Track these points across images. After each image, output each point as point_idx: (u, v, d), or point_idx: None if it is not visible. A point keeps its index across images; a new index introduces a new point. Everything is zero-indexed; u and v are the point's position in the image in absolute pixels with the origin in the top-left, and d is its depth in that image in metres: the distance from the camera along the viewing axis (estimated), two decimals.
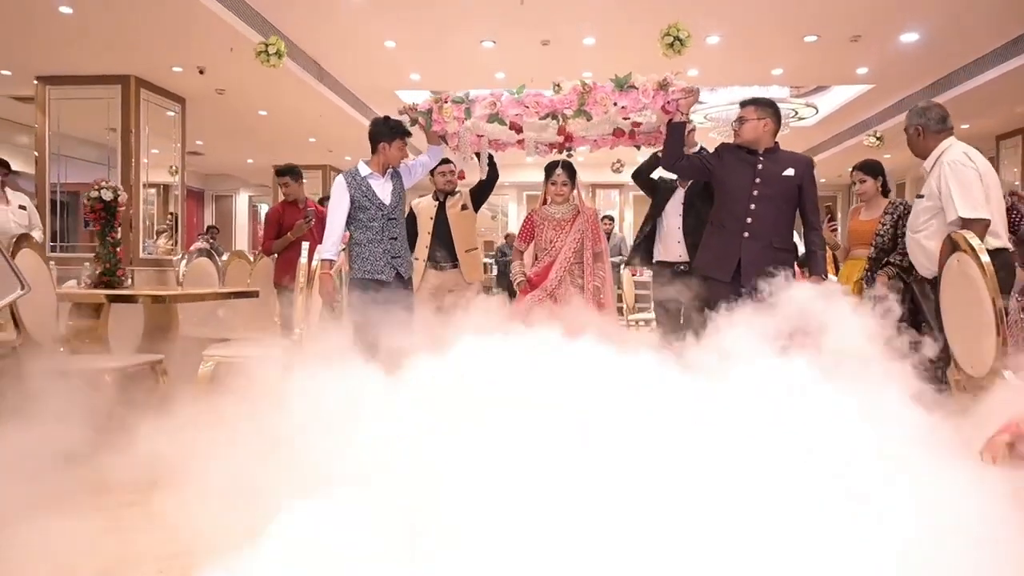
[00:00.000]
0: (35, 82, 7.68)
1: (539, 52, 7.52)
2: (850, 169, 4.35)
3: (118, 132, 7.69)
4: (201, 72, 7.34)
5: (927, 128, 3.28)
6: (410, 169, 3.88)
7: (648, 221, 4.30)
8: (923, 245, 3.29)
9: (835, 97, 10.19)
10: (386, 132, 3.68)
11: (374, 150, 3.73)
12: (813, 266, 3.38)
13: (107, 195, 4.36)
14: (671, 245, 4.08)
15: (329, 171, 13.15)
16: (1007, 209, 3.68)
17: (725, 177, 3.45)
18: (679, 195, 4.13)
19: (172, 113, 8.49)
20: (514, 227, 16.09)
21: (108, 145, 8.01)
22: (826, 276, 3.41)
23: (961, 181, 3.06)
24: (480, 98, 3.51)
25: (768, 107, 3.43)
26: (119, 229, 4.41)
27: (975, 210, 3.02)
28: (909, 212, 3.48)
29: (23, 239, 3.72)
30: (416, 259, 4.40)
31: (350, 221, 3.70)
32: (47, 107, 7.71)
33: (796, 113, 10.55)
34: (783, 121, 3.66)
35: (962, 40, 7.31)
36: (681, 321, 3.91)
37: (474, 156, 3.90)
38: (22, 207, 5.33)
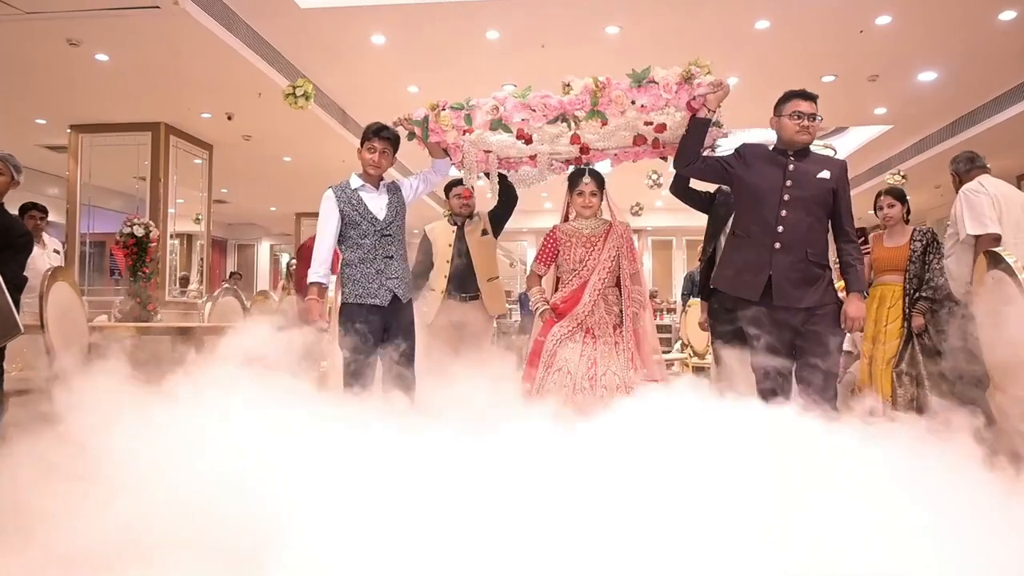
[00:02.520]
0: (68, 130, 7.92)
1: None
2: (877, 193, 4.29)
3: (147, 180, 7.87)
4: (229, 118, 7.54)
5: (959, 172, 3.90)
6: (412, 184, 3.45)
7: (709, 242, 3.77)
8: (949, 268, 3.71)
9: (854, 138, 10.23)
10: (362, 136, 3.31)
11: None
12: (852, 282, 2.94)
13: (139, 231, 4.44)
14: None
15: None
16: None
17: (750, 179, 2.99)
18: None
19: (199, 160, 8.69)
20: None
21: (136, 195, 8.21)
22: (866, 294, 3.24)
23: (970, 203, 3.60)
24: (481, 103, 3.12)
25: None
26: (150, 264, 4.45)
27: (983, 227, 3.51)
28: (935, 239, 3.78)
29: (58, 272, 3.77)
30: (432, 290, 4.07)
31: (340, 239, 3.30)
32: (80, 155, 7.92)
33: None
34: None
35: (980, 79, 7.36)
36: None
37: (483, 175, 3.52)
38: (56, 251, 5.46)
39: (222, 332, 4.46)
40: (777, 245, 2.88)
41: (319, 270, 3.23)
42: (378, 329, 3.19)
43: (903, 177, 9.27)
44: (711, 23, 6.03)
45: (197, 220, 9.06)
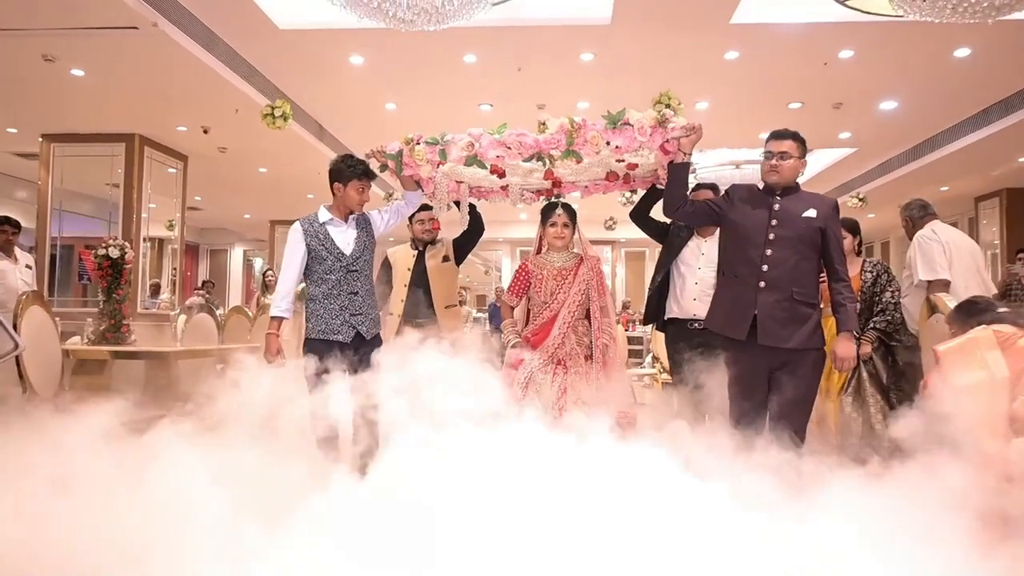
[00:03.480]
0: (40, 139, 7.86)
1: (535, 115, 7.77)
2: None
3: (120, 188, 7.83)
4: (205, 132, 7.54)
5: (912, 218, 4.08)
6: (383, 215, 3.42)
7: (659, 270, 3.83)
8: (906, 307, 3.82)
9: (820, 159, 10.53)
10: (341, 172, 3.21)
11: (332, 192, 3.27)
12: (842, 321, 2.95)
13: (114, 252, 4.47)
14: (686, 303, 3.67)
15: None
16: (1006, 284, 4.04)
17: (737, 219, 3.01)
18: (697, 244, 3.71)
19: (173, 170, 8.67)
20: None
21: (106, 199, 8.16)
22: (858, 334, 3.16)
23: (923, 250, 3.79)
24: (456, 139, 3.10)
25: (804, 143, 3.03)
26: (125, 286, 4.48)
27: (934, 273, 3.70)
28: (886, 271, 3.84)
29: (33, 296, 3.79)
30: (391, 314, 4.00)
31: (306, 273, 3.25)
32: (51, 164, 7.86)
33: None
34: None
35: (939, 109, 7.66)
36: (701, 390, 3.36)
37: (452, 205, 3.51)
38: (28, 266, 5.44)
39: (199, 356, 4.54)
40: (762, 284, 2.89)
41: (281, 304, 3.20)
42: (342, 366, 3.12)
43: (862, 200, 9.55)
44: (682, 53, 6.21)
45: (170, 226, 9.01)
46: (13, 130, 7.89)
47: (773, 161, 2.94)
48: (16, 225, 5.53)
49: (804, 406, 2.88)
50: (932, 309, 3.31)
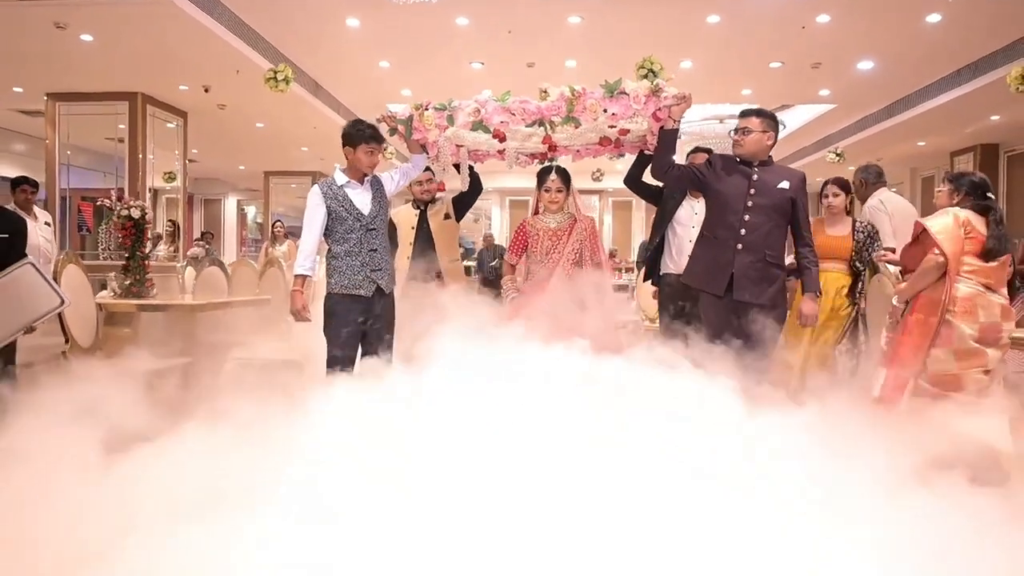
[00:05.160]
0: (45, 98, 8.08)
1: (525, 72, 8.04)
2: (823, 181, 4.38)
3: (126, 144, 8.10)
4: (206, 90, 7.78)
5: (867, 181, 4.43)
6: (392, 177, 3.62)
7: (656, 233, 4.10)
8: None
9: (801, 114, 10.84)
10: (351, 136, 3.39)
11: (345, 156, 3.45)
12: (807, 283, 3.33)
13: (136, 213, 4.82)
14: (683, 260, 3.80)
15: (319, 177, 13.58)
16: None
17: (719, 187, 3.33)
18: (691, 204, 3.94)
19: (172, 125, 8.90)
20: (496, 231, 16.61)
21: (104, 152, 8.43)
22: (820, 293, 3.49)
23: (874, 220, 4.14)
24: (463, 105, 3.31)
25: (771, 119, 3.34)
26: (148, 244, 4.85)
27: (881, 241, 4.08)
28: (876, 232, 4.07)
29: (70, 256, 4.18)
30: (397, 271, 4.10)
31: (327, 233, 3.44)
32: (57, 122, 8.09)
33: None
34: None
35: (915, 68, 7.97)
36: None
37: (453, 167, 3.71)
38: (47, 223, 5.75)
39: (219, 308, 4.97)
40: (739, 246, 3.23)
41: (305, 263, 3.39)
42: (361, 319, 3.39)
43: (839, 155, 9.89)
44: (667, 16, 6.48)
45: (167, 178, 9.26)
46: (19, 89, 8.09)
47: (736, 136, 3.33)
48: (34, 184, 5.83)
49: (765, 352, 3.17)
50: (875, 270, 3.89)
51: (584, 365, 2.54)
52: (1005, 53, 7.15)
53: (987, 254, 3.05)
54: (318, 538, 1.70)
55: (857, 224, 4.04)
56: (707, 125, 10.98)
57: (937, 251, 2.99)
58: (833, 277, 3.96)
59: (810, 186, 3.61)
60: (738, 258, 3.23)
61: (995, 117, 8.98)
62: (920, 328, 3.04)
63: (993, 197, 3.27)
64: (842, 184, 4.11)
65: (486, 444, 2.05)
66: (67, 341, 3.99)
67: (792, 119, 11.12)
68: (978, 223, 3.07)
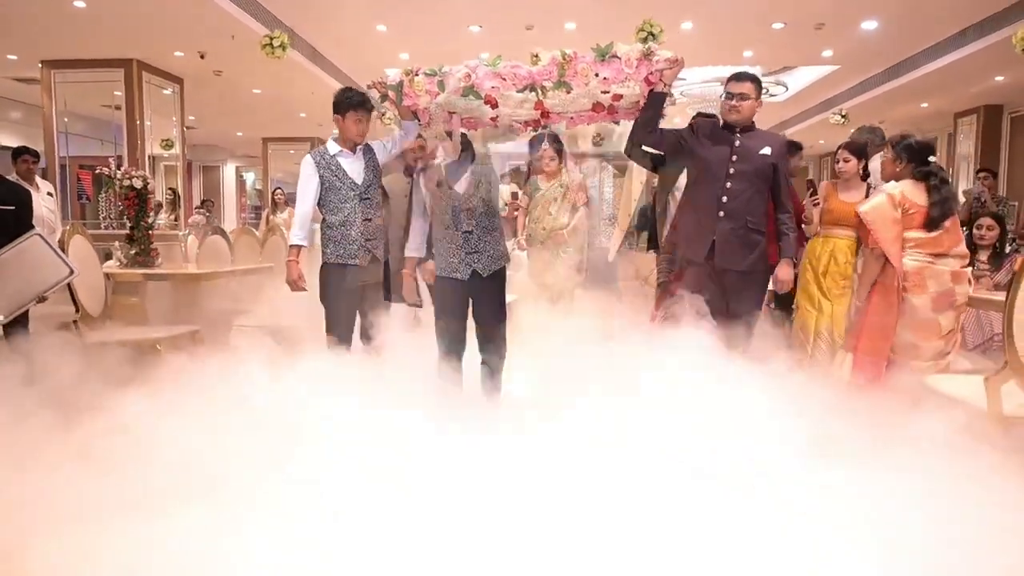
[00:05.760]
0: (40, 65, 7.99)
1: (523, 36, 7.94)
2: (834, 148, 4.33)
3: (123, 112, 8.04)
4: (202, 57, 7.70)
5: (873, 143, 4.28)
6: (385, 145, 3.59)
7: (660, 201, 4.05)
8: None
9: (803, 76, 10.72)
10: (340, 104, 3.40)
11: (336, 125, 3.45)
12: (784, 249, 3.31)
13: (138, 183, 4.83)
14: None
15: (318, 144, 13.48)
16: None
17: (701, 152, 3.30)
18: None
19: (168, 92, 8.82)
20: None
21: (100, 119, 8.35)
22: (797, 260, 3.47)
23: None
24: (454, 71, 3.24)
25: (760, 84, 3.31)
26: (151, 214, 4.87)
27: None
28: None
29: (75, 227, 4.20)
30: None
31: (321, 203, 3.44)
32: (52, 90, 8.02)
33: (768, 91, 11.11)
34: None
35: (919, 28, 7.86)
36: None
37: (446, 135, 3.60)
38: (50, 194, 5.77)
39: (224, 276, 5.01)
40: (721, 213, 3.21)
41: (299, 233, 3.39)
42: (357, 286, 3.44)
43: (844, 116, 9.81)
44: None
45: (165, 145, 9.19)
46: (13, 57, 8.01)
47: (733, 102, 3.24)
48: (35, 154, 5.83)
49: (749, 317, 3.20)
50: None
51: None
52: (1011, 13, 7.05)
53: (930, 223, 3.17)
54: (318, 538, 1.71)
55: (871, 190, 3.87)
56: (708, 87, 10.85)
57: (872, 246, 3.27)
58: (845, 244, 3.88)
59: (811, 149, 3.63)
60: (720, 225, 3.23)
61: (999, 78, 8.88)
62: (881, 308, 3.27)
63: (935, 159, 3.29)
64: (853, 149, 3.97)
65: (486, 444, 2.10)
66: (77, 311, 4.03)
67: (794, 81, 11.00)
68: (917, 194, 3.17)
